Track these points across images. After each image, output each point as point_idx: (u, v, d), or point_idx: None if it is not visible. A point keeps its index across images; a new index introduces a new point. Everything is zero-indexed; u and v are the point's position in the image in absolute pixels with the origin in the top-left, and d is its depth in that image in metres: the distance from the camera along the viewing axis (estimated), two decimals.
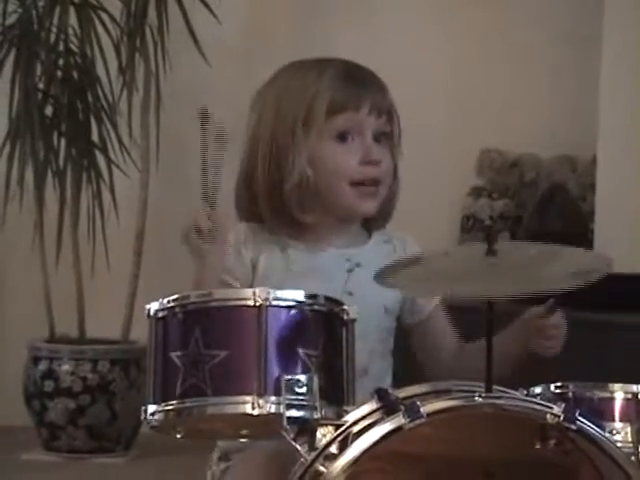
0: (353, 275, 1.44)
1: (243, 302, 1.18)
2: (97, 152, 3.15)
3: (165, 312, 1.20)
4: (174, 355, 1.18)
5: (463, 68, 3.33)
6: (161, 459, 3.04)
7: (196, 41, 3.08)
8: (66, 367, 3.07)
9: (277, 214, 1.42)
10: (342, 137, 1.43)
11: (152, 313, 1.20)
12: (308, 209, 1.43)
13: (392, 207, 1.49)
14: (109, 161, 3.14)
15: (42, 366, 3.09)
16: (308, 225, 1.44)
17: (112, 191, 3.15)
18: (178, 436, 1.23)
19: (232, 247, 1.40)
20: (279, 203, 1.41)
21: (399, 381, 1.38)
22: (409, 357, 1.47)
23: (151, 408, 1.20)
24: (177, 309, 1.19)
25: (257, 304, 1.17)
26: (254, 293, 1.18)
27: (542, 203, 3.14)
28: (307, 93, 1.43)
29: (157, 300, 1.22)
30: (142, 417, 1.20)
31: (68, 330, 3.18)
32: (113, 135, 3.12)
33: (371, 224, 1.50)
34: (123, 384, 3.08)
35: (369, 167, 1.44)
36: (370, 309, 1.38)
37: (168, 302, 1.20)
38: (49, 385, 3.07)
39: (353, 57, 3.53)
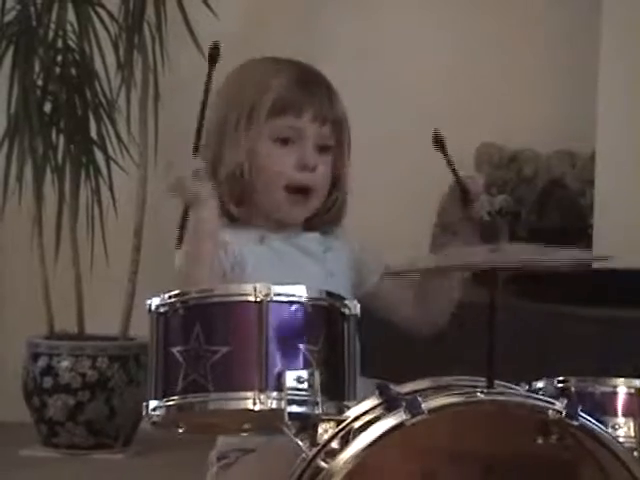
0: (329, 256, 1.45)
1: (244, 297, 1.18)
2: (96, 149, 3.15)
3: (166, 307, 1.19)
4: (175, 350, 1.18)
5: (461, 63, 3.32)
6: (160, 455, 3.04)
7: (194, 37, 3.08)
8: (65, 363, 3.07)
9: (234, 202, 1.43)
10: (283, 141, 1.44)
11: (153, 308, 1.20)
12: (240, 203, 1.43)
13: (335, 218, 1.48)
14: (108, 158, 3.14)
15: (41, 362, 3.09)
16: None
17: (111, 187, 3.15)
18: (179, 431, 1.23)
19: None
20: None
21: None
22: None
23: (152, 404, 1.19)
24: (178, 304, 1.19)
25: (258, 299, 1.17)
26: (255, 288, 1.18)
27: (541, 198, 3.14)
28: (255, 89, 1.44)
29: (156, 296, 1.22)
30: (143, 413, 1.20)
31: (67, 326, 3.18)
32: (112, 131, 3.12)
33: (311, 226, 1.48)
34: (122, 380, 3.08)
35: (303, 173, 1.44)
36: (346, 290, 1.40)
37: (169, 297, 1.19)
38: (48, 381, 3.07)
39: (353, 51, 3.54)
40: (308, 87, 1.45)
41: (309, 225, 1.48)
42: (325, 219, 1.47)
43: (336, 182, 1.47)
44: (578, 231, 3.00)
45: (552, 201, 3.12)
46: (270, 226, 1.45)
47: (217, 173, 1.43)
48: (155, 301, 1.20)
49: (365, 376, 1.28)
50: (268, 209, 1.45)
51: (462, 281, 1.47)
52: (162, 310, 1.20)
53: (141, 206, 3.17)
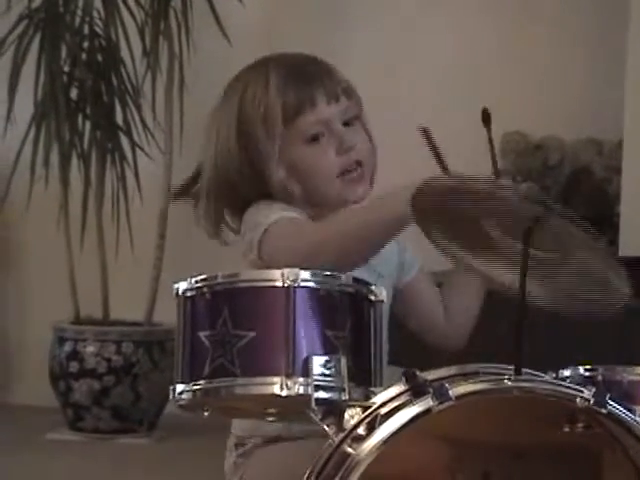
0: (377, 255, 1.43)
1: (271, 283, 1.17)
2: (121, 135, 3.16)
3: (193, 292, 1.19)
4: (202, 335, 1.18)
5: (486, 51, 3.31)
6: (184, 440, 3.06)
7: (219, 24, 3.08)
8: (91, 348, 3.09)
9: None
10: (314, 138, 1.42)
11: (180, 292, 1.20)
12: (298, 207, 1.42)
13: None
14: (133, 144, 3.15)
15: (67, 347, 3.11)
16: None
17: (136, 174, 3.16)
18: (205, 414, 1.24)
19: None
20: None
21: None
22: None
23: (179, 387, 1.19)
24: (205, 289, 1.19)
25: (285, 285, 1.17)
26: (282, 274, 1.17)
27: (567, 186, 3.12)
28: (260, 108, 1.41)
29: (182, 281, 1.22)
30: (170, 396, 1.20)
31: (92, 312, 3.20)
32: (137, 118, 3.13)
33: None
34: (147, 366, 3.10)
35: (347, 155, 1.42)
36: (389, 289, 1.39)
37: (196, 282, 1.19)
38: (74, 366, 3.09)
39: (373, 40, 3.51)
40: (306, 75, 1.42)
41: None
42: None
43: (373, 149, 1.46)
44: (604, 219, 2.98)
45: (578, 189, 3.10)
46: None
47: (268, 189, 1.41)
48: (182, 285, 1.20)
49: (395, 365, 1.28)
50: (329, 202, 1.42)
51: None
52: (189, 294, 1.20)
53: (166, 192, 3.18)
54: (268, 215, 1.37)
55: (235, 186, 1.43)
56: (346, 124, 1.44)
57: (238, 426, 1.43)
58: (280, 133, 1.40)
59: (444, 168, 1.33)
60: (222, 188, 1.44)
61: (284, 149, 1.41)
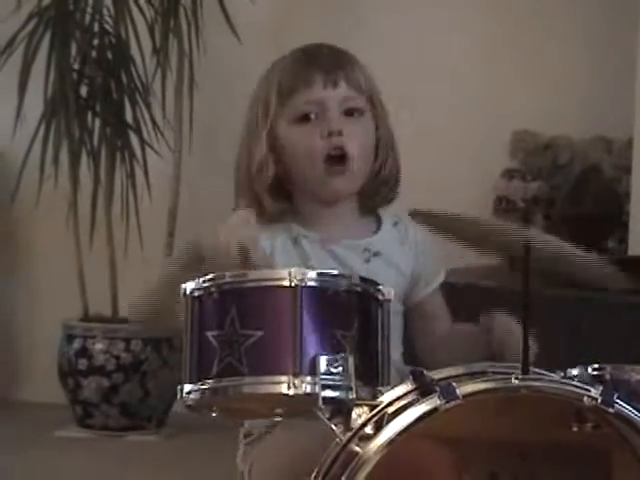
0: (371, 265, 1.43)
1: (279, 282, 1.18)
2: (131, 132, 3.17)
3: (201, 291, 1.20)
4: (210, 334, 1.18)
5: (496, 49, 3.30)
6: (193, 437, 3.06)
7: (229, 21, 3.08)
8: (100, 346, 3.09)
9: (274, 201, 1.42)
10: (305, 118, 1.41)
11: (188, 292, 1.21)
12: (275, 197, 1.41)
13: (388, 182, 1.44)
14: (142, 141, 3.15)
15: (76, 344, 3.12)
16: (315, 215, 1.43)
17: (145, 171, 3.16)
18: (213, 415, 1.24)
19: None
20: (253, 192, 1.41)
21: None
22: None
23: (187, 387, 1.20)
24: (213, 288, 1.19)
25: (293, 284, 1.17)
26: (290, 273, 1.17)
27: (576, 185, 3.11)
28: (265, 84, 1.43)
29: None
30: (178, 396, 1.21)
31: (101, 309, 3.21)
32: (147, 115, 3.13)
33: (368, 203, 1.46)
34: (155, 363, 3.10)
35: (329, 139, 1.40)
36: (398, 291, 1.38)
37: (204, 281, 1.20)
38: (83, 363, 3.10)
39: (384, 36, 3.50)
40: (310, 58, 1.42)
41: (365, 206, 1.45)
42: (375, 186, 1.43)
43: (377, 144, 1.44)
44: (614, 218, 2.97)
45: (588, 188, 3.09)
46: (306, 221, 1.43)
47: (250, 173, 1.42)
48: (190, 285, 1.20)
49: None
50: (311, 187, 1.42)
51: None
52: (197, 294, 1.20)
53: (175, 190, 3.18)
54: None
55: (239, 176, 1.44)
56: (348, 115, 1.42)
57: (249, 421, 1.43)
58: (274, 111, 1.41)
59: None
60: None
61: (274, 127, 1.41)
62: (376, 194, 1.45)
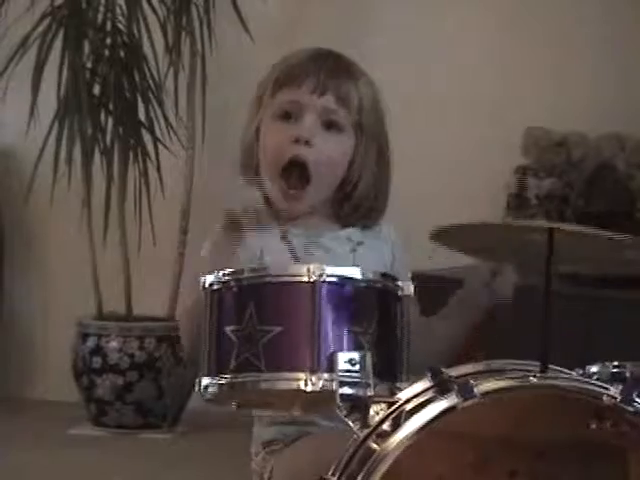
0: (357, 255, 1.43)
1: (297, 278, 1.17)
2: (144, 130, 3.17)
3: (220, 285, 1.19)
4: (228, 329, 1.18)
5: (510, 46, 3.29)
6: (207, 435, 3.07)
7: (242, 20, 3.08)
8: (114, 344, 3.10)
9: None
10: (285, 116, 1.41)
11: (207, 285, 1.20)
12: (253, 184, 1.42)
13: (359, 207, 1.42)
14: (155, 139, 3.15)
15: (90, 343, 3.12)
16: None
17: (158, 169, 3.17)
18: (233, 405, 1.24)
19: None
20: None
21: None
22: None
23: (205, 381, 1.20)
24: (232, 283, 1.19)
25: (311, 280, 1.17)
26: (308, 269, 1.17)
27: (589, 182, 3.11)
28: (269, 72, 1.44)
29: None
30: (196, 389, 1.20)
31: (115, 307, 3.21)
32: (159, 113, 3.14)
33: (344, 221, 1.44)
34: (169, 361, 3.10)
35: (297, 145, 1.39)
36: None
37: (223, 275, 1.19)
38: (97, 361, 3.10)
39: (397, 34, 3.49)
40: (315, 61, 1.42)
41: (344, 221, 1.44)
42: (358, 210, 1.42)
43: (350, 166, 1.41)
44: (627, 215, 2.96)
45: (601, 185, 3.08)
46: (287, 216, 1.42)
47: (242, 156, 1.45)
48: (209, 278, 1.20)
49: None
50: (272, 198, 1.42)
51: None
52: (216, 287, 1.20)
53: (188, 188, 3.19)
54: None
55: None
56: (326, 127, 1.41)
57: (258, 433, 1.43)
58: (265, 101, 1.42)
59: None
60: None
61: (264, 118, 1.42)
62: (348, 215, 1.44)
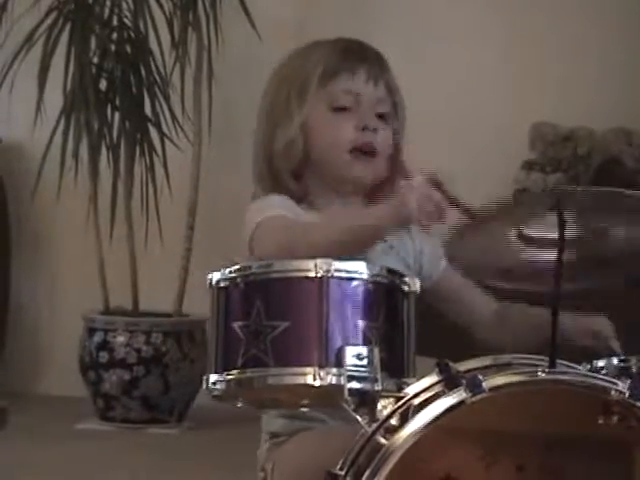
0: (403, 245, 1.43)
1: (304, 273, 1.18)
2: (150, 126, 3.17)
3: (227, 282, 1.20)
4: (236, 325, 1.18)
5: (516, 41, 3.28)
6: (214, 430, 3.07)
7: (248, 15, 3.08)
8: (121, 339, 3.10)
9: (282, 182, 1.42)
10: (341, 109, 1.42)
11: (214, 283, 1.21)
12: (298, 177, 1.42)
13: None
14: (162, 135, 3.15)
15: (97, 338, 3.13)
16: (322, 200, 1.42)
17: (165, 164, 3.17)
18: (239, 405, 1.24)
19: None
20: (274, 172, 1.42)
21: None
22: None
23: (212, 377, 1.20)
24: (239, 279, 1.19)
25: (318, 275, 1.17)
26: (315, 265, 1.17)
27: (596, 177, 3.10)
28: (304, 64, 1.43)
29: (215, 271, 1.22)
30: (203, 386, 1.21)
31: (122, 303, 3.22)
32: (166, 109, 3.14)
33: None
34: (176, 356, 3.11)
35: (365, 133, 1.41)
36: (407, 260, 1.40)
37: (230, 272, 1.20)
38: (104, 356, 3.11)
39: (404, 30, 3.48)
40: (355, 52, 1.44)
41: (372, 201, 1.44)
42: (385, 189, 1.42)
43: (394, 156, 1.44)
44: None
45: (607, 180, 3.08)
46: (326, 202, 1.43)
47: (271, 153, 1.43)
48: (216, 275, 1.20)
49: (424, 355, 1.27)
50: (332, 174, 1.42)
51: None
52: (223, 285, 1.20)
53: (195, 184, 3.19)
54: (262, 211, 1.37)
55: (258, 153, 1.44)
56: (379, 117, 1.43)
57: (267, 425, 1.43)
58: (313, 93, 1.41)
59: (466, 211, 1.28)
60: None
61: (313, 112, 1.42)
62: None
